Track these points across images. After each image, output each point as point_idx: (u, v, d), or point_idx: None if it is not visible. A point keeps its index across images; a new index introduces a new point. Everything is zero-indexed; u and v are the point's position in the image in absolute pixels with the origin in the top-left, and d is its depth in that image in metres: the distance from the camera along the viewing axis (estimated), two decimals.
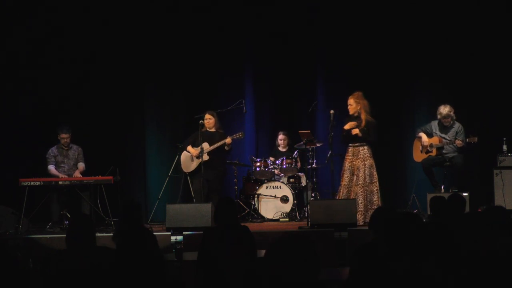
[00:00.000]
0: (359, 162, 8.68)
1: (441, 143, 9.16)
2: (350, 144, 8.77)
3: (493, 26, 10.13)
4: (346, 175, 8.72)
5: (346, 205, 7.97)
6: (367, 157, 8.71)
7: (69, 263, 4.20)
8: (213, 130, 9.34)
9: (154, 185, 10.53)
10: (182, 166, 9.47)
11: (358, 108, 8.72)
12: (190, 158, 9.35)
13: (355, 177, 8.64)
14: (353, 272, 3.86)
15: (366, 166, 8.67)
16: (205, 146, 9.11)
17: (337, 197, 8.67)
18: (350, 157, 8.76)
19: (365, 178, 8.65)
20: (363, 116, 8.69)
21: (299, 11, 10.65)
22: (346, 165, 8.76)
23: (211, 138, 9.24)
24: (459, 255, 3.92)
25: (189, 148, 9.30)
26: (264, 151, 10.76)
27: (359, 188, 8.62)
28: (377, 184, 8.69)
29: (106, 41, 10.47)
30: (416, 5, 10.37)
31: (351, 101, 8.77)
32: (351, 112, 8.76)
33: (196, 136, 9.15)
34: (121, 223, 6.16)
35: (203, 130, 9.18)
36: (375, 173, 8.71)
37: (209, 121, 9.32)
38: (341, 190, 8.71)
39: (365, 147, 8.73)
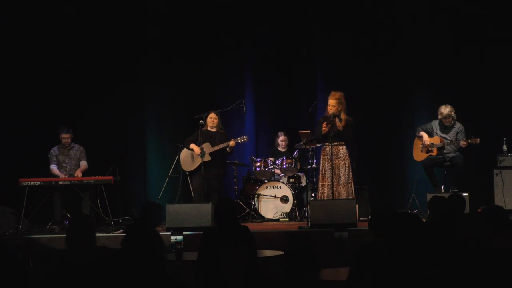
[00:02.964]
0: (339, 161, 8.59)
1: (442, 143, 9.16)
2: (327, 144, 8.62)
3: (493, 25, 10.13)
4: (328, 175, 8.60)
5: (346, 205, 7.95)
6: (346, 157, 8.65)
7: (69, 263, 4.20)
8: (214, 130, 9.33)
9: (154, 185, 10.52)
10: (182, 164, 9.45)
11: (340, 109, 8.65)
12: (191, 157, 9.33)
13: (336, 177, 8.55)
14: (353, 272, 3.86)
15: (346, 165, 8.61)
16: (207, 146, 9.10)
17: (319, 198, 8.61)
18: (328, 157, 8.61)
19: (345, 177, 8.61)
20: (343, 116, 8.61)
21: (299, 11, 10.64)
22: (326, 165, 8.64)
23: (212, 138, 9.23)
24: (459, 255, 3.93)
25: (192, 145, 9.25)
26: (264, 151, 10.76)
27: (341, 188, 8.56)
28: (353, 185, 8.67)
29: (107, 41, 10.47)
30: (416, 6, 10.38)
31: (332, 102, 8.61)
32: (330, 113, 8.62)
33: (198, 135, 9.13)
34: (138, 221, 6.17)
35: (203, 129, 9.17)
36: (351, 174, 8.68)
37: (213, 120, 9.30)
38: (325, 191, 8.61)
39: (344, 147, 8.66)
